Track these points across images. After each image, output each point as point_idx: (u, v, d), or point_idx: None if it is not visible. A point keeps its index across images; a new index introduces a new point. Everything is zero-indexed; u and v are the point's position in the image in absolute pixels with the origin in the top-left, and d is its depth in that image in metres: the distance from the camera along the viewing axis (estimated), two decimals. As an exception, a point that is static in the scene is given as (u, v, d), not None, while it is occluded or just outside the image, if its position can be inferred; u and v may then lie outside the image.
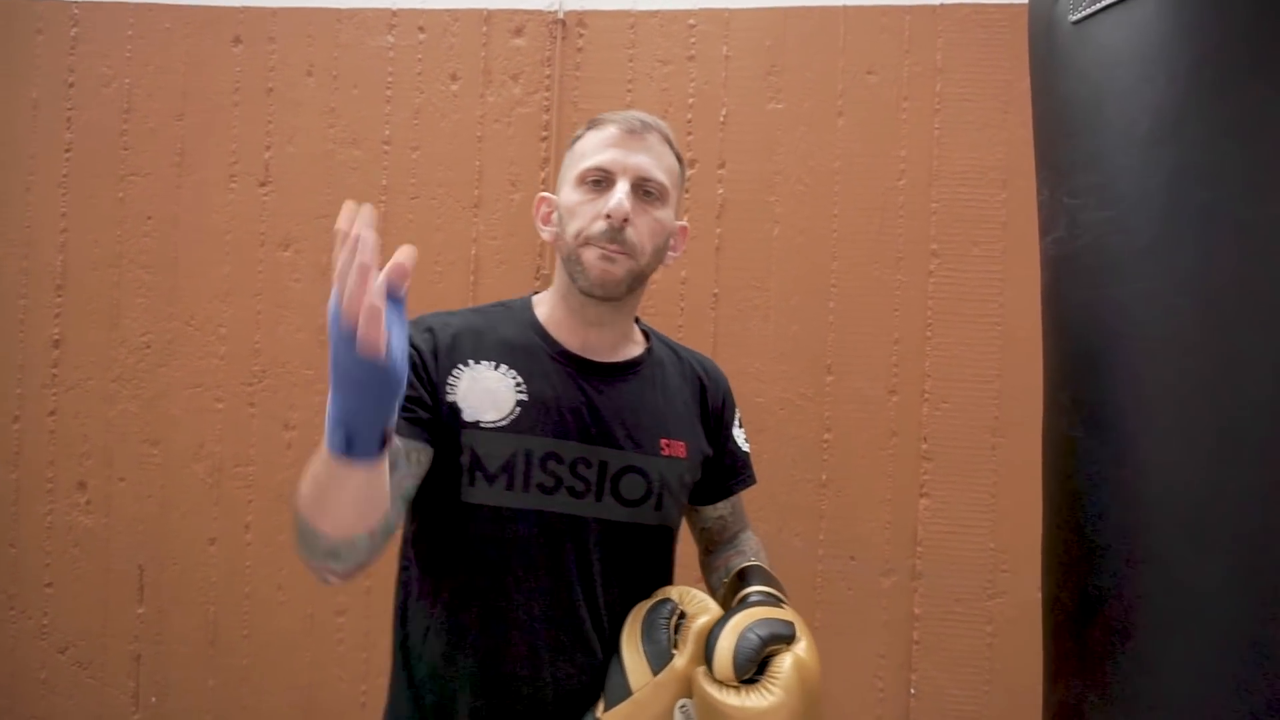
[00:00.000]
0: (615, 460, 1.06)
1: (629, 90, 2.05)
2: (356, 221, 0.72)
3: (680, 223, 1.14)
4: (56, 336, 2.12)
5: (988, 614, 1.95)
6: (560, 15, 2.06)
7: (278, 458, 2.07)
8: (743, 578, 1.10)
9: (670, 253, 1.13)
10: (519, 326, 1.10)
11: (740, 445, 1.24)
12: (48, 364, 2.12)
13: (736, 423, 1.24)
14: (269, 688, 2.07)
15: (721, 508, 1.23)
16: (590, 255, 1.03)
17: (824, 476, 2.00)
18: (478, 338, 1.08)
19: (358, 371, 0.74)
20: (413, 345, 1.03)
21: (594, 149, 1.07)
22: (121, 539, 2.10)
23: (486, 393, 1.04)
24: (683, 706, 0.95)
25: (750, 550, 1.21)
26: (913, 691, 1.97)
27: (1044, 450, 0.99)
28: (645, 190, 1.06)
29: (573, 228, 1.05)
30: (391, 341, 0.71)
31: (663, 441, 1.10)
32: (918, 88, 2.00)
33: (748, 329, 2.02)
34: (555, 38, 2.06)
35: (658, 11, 2.05)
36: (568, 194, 1.08)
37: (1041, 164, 0.99)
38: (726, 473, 1.22)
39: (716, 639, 0.94)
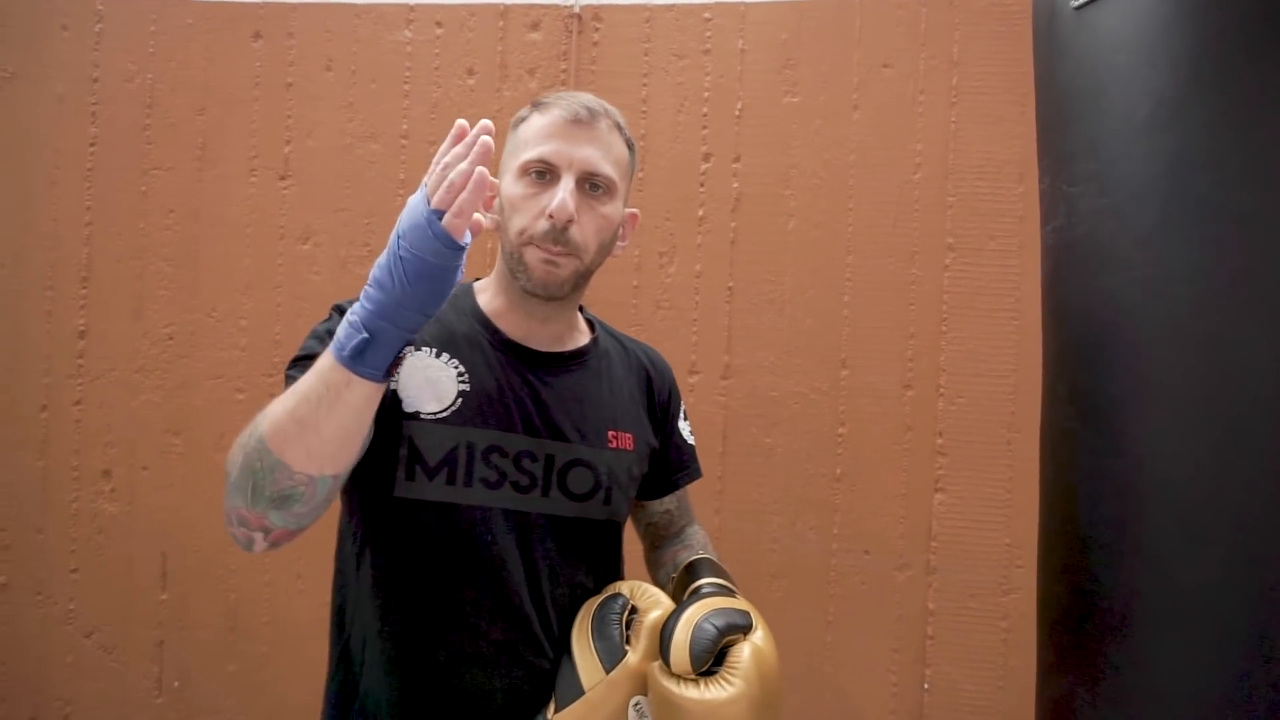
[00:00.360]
0: (562, 454, 1.03)
1: (644, 84, 2.06)
2: (478, 130, 0.77)
3: (630, 210, 1.10)
4: (82, 327, 2.16)
5: (1002, 609, 1.95)
6: (576, 10, 2.07)
7: (297, 448, 2.09)
8: (691, 571, 1.08)
9: (619, 243, 1.09)
10: (460, 314, 1.06)
11: (686, 438, 1.21)
12: (74, 354, 2.16)
13: (682, 415, 1.22)
14: (288, 674, 2.10)
15: (668, 502, 1.20)
16: (533, 256, 0.99)
17: (838, 471, 2.00)
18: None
19: (430, 256, 0.77)
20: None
21: (537, 137, 1.01)
22: (144, 527, 2.14)
23: (428, 382, 0.99)
24: (636, 704, 0.93)
25: (698, 544, 1.18)
26: (926, 686, 1.96)
27: (1041, 442, 0.99)
28: (592, 184, 1.01)
29: (515, 224, 1.00)
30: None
31: (610, 434, 1.07)
32: (934, 81, 1.99)
33: (762, 323, 2.02)
34: (571, 32, 2.06)
35: (673, 5, 2.05)
36: (509, 184, 1.02)
37: (1043, 153, 0.98)
38: (673, 466, 1.19)
39: (671, 632, 0.91)
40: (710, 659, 0.90)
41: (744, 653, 0.91)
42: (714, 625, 0.91)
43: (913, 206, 1.99)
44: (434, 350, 1.02)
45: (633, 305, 2.05)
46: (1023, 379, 1.95)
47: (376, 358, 0.81)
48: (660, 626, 0.94)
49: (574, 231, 0.99)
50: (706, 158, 2.04)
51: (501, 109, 2.09)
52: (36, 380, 2.16)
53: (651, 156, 2.06)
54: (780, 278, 2.02)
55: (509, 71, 2.09)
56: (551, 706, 0.96)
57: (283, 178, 2.13)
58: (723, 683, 0.89)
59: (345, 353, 0.80)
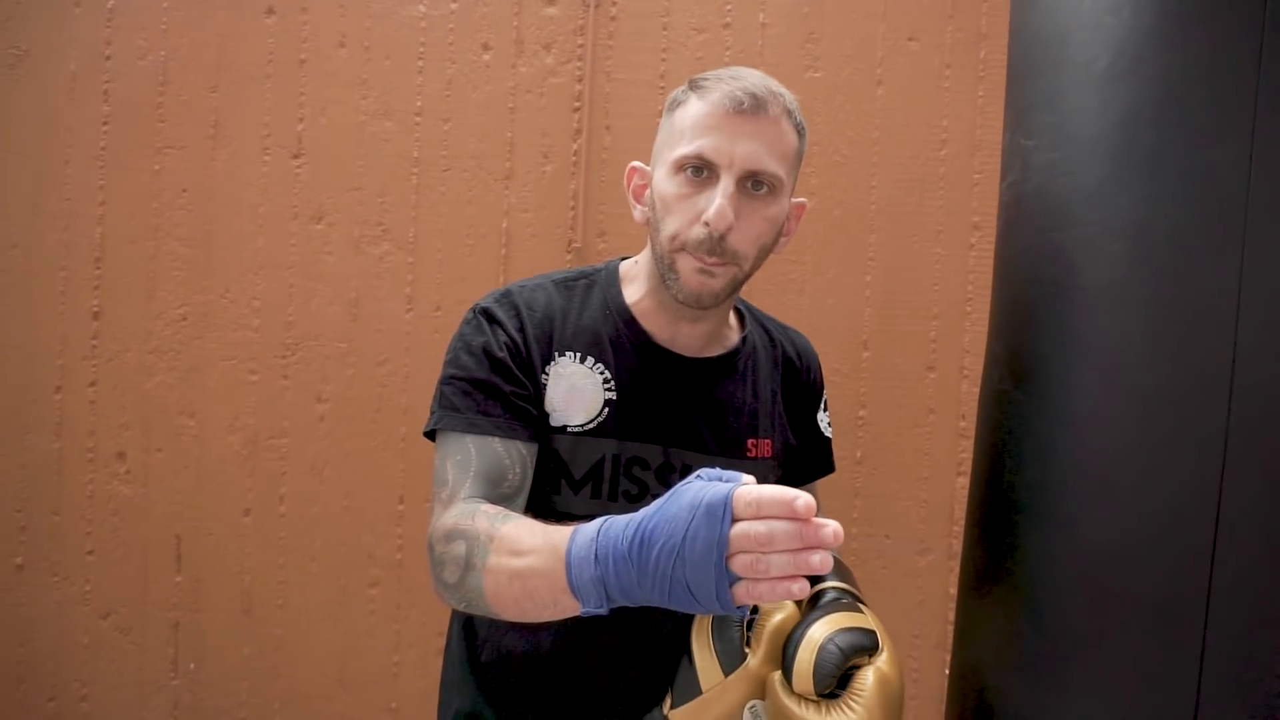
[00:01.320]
0: (699, 465, 0.98)
1: (663, 59, 2.01)
2: (829, 531, 0.64)
3: (796, 200, 1.02)
4: (96, 308, 2.14)
5: (1026, 595, 1.91)
6: (593, -17, 2.03)
7: (310, 430, 2.08)
8: None
9: (782, 239, 1.01)
10: (604, 311, 1.01)
11: (823, 431, 1.16)
12: (88, 335, 2.14)
13: (822, 407, 1.16)
14: (303, 657, 2.09)
15: None
16: (686, 265, 0.92)
17: (859, 454, 1.96)
18: (563, 323, 0.99)
19: (699, 601, 0.67)
20: (506, 333, 0.96)
21: (695, 128, 0.91)
22: (159, 508, 2.13)
23: (574, 391, 0.96)
24: (752, 707, 0.91)
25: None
26: (948, 672, 1.93)
27: (979, 406, 0.95)
28: (755, 182, 0.91)
29: (668, 227, 0.93)
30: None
31: (749, 443, 1.04)
32: (961, 54, 1.94)
33: (783, 303, 1.98)
34: (588, 6, 2.02)
35: (693, -22, 2.01)
36: (662, 179, 0.95)
37: (1007, 105, 0.93)
38: (805, 460, 1.14)
39: (795, 649, 0.88)
40: (834, 682, 0.87)
41: (869, 679, 0.87)
42: (839, 647, 0.87)
43: (938, 184, 1.94)
44: (578, 355, 0.98)
45: (650, 285, 2.01)
46: (1050, 361, 1.91)
47: (603, 607, 0.75)
48: (781, 632, 0.91)
49: (732, 238, 0.91)
50: (726, 135, 2.00)
51: (516, 85, 2.05)
52: (51, 362, 2.15)
53: (670, 133, 2.01)
54: (801, 257, 1.98)
55: (524, 47, 2.05)
56: (668, 702, 0.95)
57: (296, 156, 2.11)
58: (846, 709, 0.86)
59: (588, 605, 0.73)
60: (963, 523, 1.90)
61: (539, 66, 2.05)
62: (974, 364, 1.93)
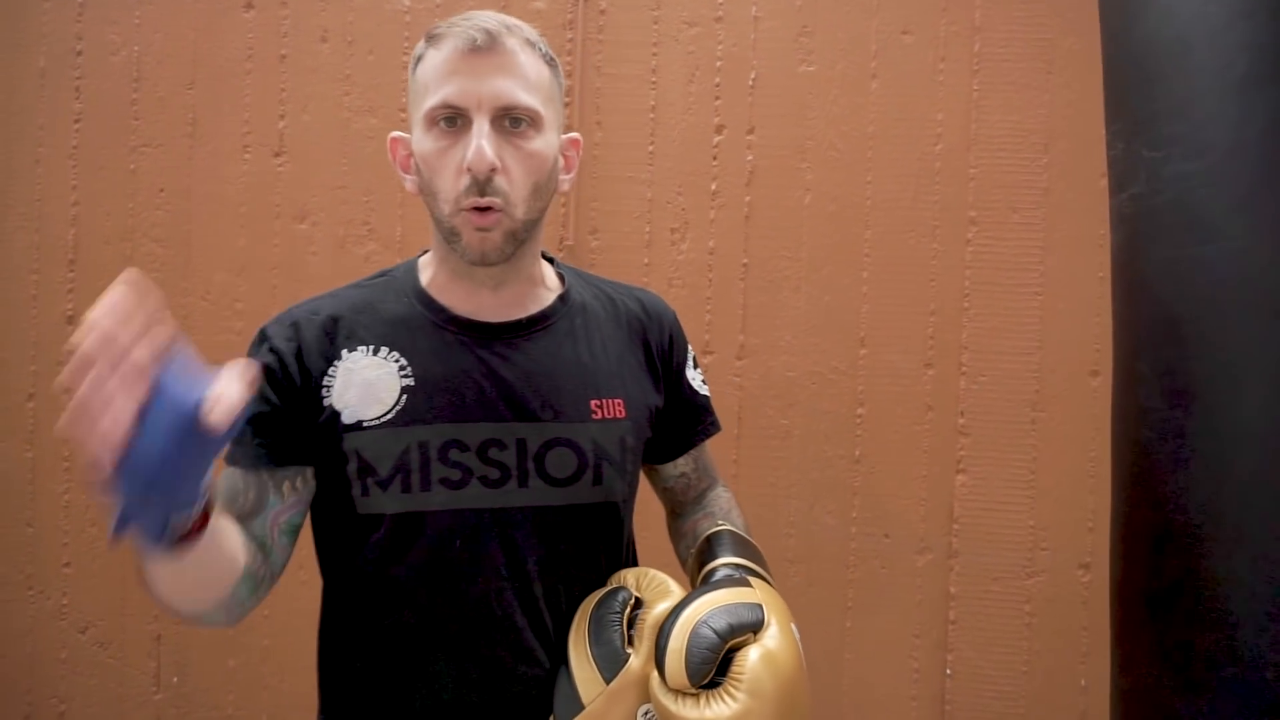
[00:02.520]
0: (535, 435, 0.91)
1: (654, 53, 1.98)
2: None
3: (569, 135, 0.96)
4: (70, 312, 2.07)
5: (1026, 593, 1.90)
6: (582, -25, 1.99)
7: (296, 435, 2.02)
8: (709, 547, 0.96)
9: (562, 176, 0.96)
10: (400, 297, 0.94)
11: (698, 389, 1.07)
12: (61, 341, 2.07)
13: (690, 363, 1.07)
14: (290, 668, 2.03)
15: (682, 464, 1.08)
16: (465, 225, 0.87)
17: (857, 452, 1.94)
18: (353, 321, 0.92)
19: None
20: (273, 351, 0.90)
21: (438, 78, 0.86)
22: (139, 518, 2.06)
23: (365, 385, 0.89)
24: (646, 713, 0.82)
25: (720, 511, 1.07)
26: (949, 672, 1.92)
27: (1115, 424, 0.93)
28: (511, 119, 0.86)
29: (440, 189, 0.88)
30: (142, 438, 0.58)
31: (593, 403, 0.94)
32: (955, 48, 1.92)
33: (778, 300, 1.95)
34: (577, 0, 1.98)
35: (684, -30, 1.97)
36: (419, 139, 0.89)
37: (1115, 115, 0.92)
38: (684, 423, 1.06)
39: (667, 639, 0.79)
40: (711, 670, 0.78)
41: (750, 658, 0.78)
42: (713, 630, 0.79)
43: (933, 179, 1.92)
44: (370, 348, 0.91)
45: (644, 284, 1.96)
46: (1047, 357, 1.89)
47: (151, 539, 0.67)
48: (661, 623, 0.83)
49: (499, 181, 0.86)
50: (719, 130, 1.97)
51: (505, 80, 2.01)
52: (23, 368, 2.08)
53: (662, 129, 1.98)
54: (797, 254, 1.96)
55: (512, 41, 2.00)
56: None
57: (277, 154, 2.05)
58: (725, 698, 0.77)
59: (130, 539, 0.66)
60: (962, 521, 1.89)
61: (527, 61, 2.00)
62: (972, 360, 1.92)
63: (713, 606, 0.81)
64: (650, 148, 1.98)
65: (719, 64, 1.97)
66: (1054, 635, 1.89)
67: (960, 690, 1.91)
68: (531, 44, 0.90)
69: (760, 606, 0.82)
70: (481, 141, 0.84)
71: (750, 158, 1.97)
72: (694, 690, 0.78)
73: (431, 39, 0.89)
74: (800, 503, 1.95)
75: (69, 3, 2.06)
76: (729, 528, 1.01)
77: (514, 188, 0.87)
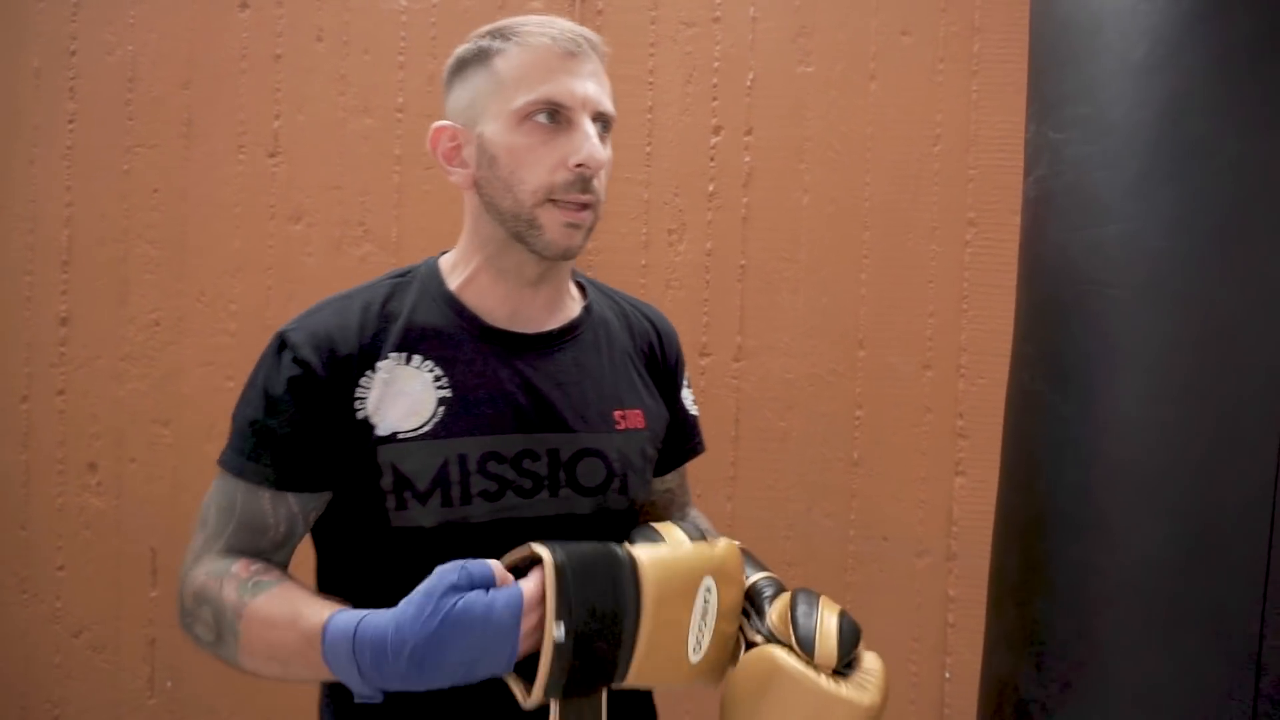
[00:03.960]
0: (566, 445, 0.92)
1: (651, 54, 1.97)
2: None
3: None
4: (64, 314, 2.06)
5: (1025, 596, 1.89)
6: (579, -25, 1.98)
7: (292, 437, 2.01)
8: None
9: None
10: (430, 302, 0.93)
11: (690, 409, 1.09)
12: (55, 342, 2.06)
13: (686, 383, 1.10)
14: (286, 672, 2.02)
15: (669, 480, 1.09)
16: (551, 218, 0.87)
17: (855, 455, 1.93)
18: (384, 328, 0.90)
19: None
20: (296, 364, 0.86)
21: (531, 74, 0.87)
22: (133, 521, 2.05)
23: (401, 396, 0.87)
24: (708, 589, 0.82)
25: (710, 529, 1.07)
26: (948, 676, 1.91)
27: (1006, 408, 0.92)
28: (603, 124, 0.91)
29: (529, 182, 0.87)
30: None
31: (616, 414, 0.96)
32: (955, 48, 1.91)
33: (776, 302, 1.94)
34: (574, 0, 1.97)
35: (682, -30, 1.96)
36: (502, 132, 0.88)
37: (1032, 97, 0.90)
38: (678, 440, 1.08)
39: (813, 615, 0.81)
40: (853, 657, 0.82)
41: (876, 662, 0.83)
42: (853, 623, 0.82)
43: (932, 180, 1.92)
44: (404, 355, 0.89)
45: (641, 285, 1.97)
46: (1047, 358, 1.89)
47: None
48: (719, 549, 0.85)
49: (597, 181, 0.89)
50: (717, 130, 1.96)
51: (502, 81, 2.00)
52: (17, 370, 2.06)
53: (659, 129, 1.97)
54: (795, 255, 1.95)
55: (509, 41, 1.99)
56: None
57: (272, 154, 2.04)
58: (864, 686, 0.80)
59: (358, 691, 0.72)
60: (961, 524, 1.88)
61: (524, 61, 1.99)
62: (971, 362, 1.91)
63: (838, 608, 0.84)
64: (647, 148, 1.97)
65: (717, 65, 1.96)
66: (1053, 638, 1.88)
67: (960, 694, 1.90)
68: (603, 57, 0.94)
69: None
70: (595, 140, 0.87)
71: (748, 159, 1.96)
72: (833, 669, 0.80)
73: (509, 36, 0.89)
74: (798, 505, 1.94)
75: (63, 2, 2.05)
76: (742, 547, 1.02)
77: (602, 188, 0.91)
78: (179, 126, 2.05)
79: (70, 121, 2.06)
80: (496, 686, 0.75)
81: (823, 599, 0.85)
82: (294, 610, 0.78)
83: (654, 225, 1.97)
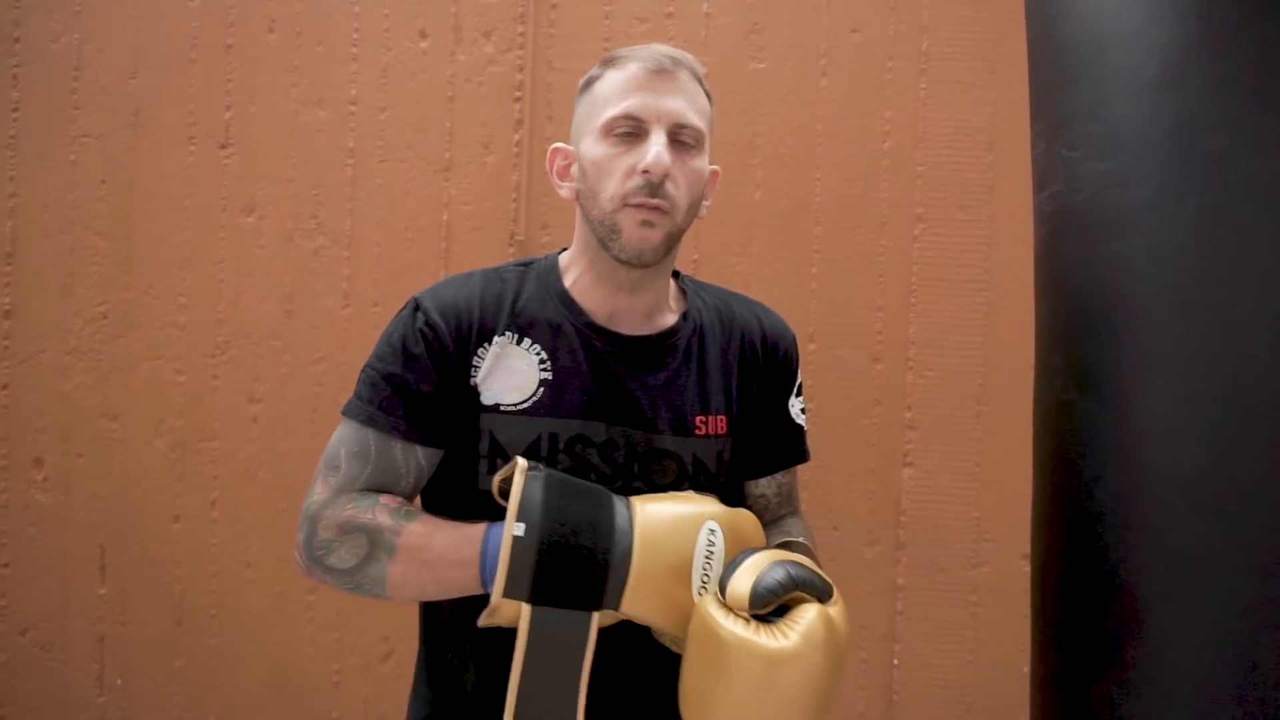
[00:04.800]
0: (645, 443, 0.98)
1: (605, 48, 1.98)
2: None
3: (712, 167, 1.04)
4: (7, 307, 2.02)
5: (972, 583, 1.94)
6: (533, -31, 1.98)
7: (243, 432, 1.99)
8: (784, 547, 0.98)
9: (704, 203, 1.03)
10: (544, 294, 1.01)
11: (794, 418, 1.11)
12: (-1, 336, 2.02)
13: (795, 391, 1.11)
14: (239, 668, 2.01)
15: (764, 485, 1.10)
16: (629, 220, 0.94)
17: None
18: (498, 308, 0.99)
19: None
20: (429, 328, 0.96)
21: (617, 93, 0.95)
22: (81, 517, 2.02)
23: (509, 372, 0.96)
24: (711, 530, 0.84)
25: (796, 533, 1.08)
26: (896, 663, 1.95)
27: (1036, 415, 0.95)
28: (680, 139, 0.95)
29: (606, 190, 0.95)
30: None
31: (698, 419, 1.01)
32: (903, 46, 1.95)
33: (729, 296, 1.96)
34: (528, -7, 1.98)
35: (635, -34, 1.97)
36: (591, 147, 0.97)
37: (1038, 115, 0.94)
38: (773, 446, 1.09)
39: (740, 561, 0.81)
40: (774, 603, 0.79)
41: (810, 612, 0.79)
42: (789, 572, 0.79)
43: (881, 176, 1.95)
44: (515, 336, 0.98)
45: (596, 279, 1.98)
46: (992, 352, 1.93)
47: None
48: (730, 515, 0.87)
49: (669, 187, 0.93)
50: (671, 126, 1.97)
51: (455, 74, 1.99)
52: (-41, 363, 2.02)
53: (614, 124, 1.98)
54: (746, 250, 1.97)
55: (463, 34, 1.99)
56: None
57: (223, 146, 2.01)
58: (777, 633, 0.77)
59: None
60: (909, 514, 1.92)
61: (478, 55, 1.99)
62: (919, 355, 1.94)
63: (796, 559, 0.83)
64: (602, 143, 1.98)
65: (670, 60, 1.98)
66: (999, 624, 1.92)
67: (908, 680, 1.94)
68: (699, 77, 0.99)
69: (832, 586, 0.84)
70: (660, 148, 0.93)
71: (701, 154, 1.97)
72: (746, 615, 0.79)
73: (611, 62, 0.98)
74: (751, 497, 1.96)
75: (5, -11, 2.01)
76: (804, 541, 1.05)
77: (678, 196, 0.95)
78: (127, 116, 2.02)
79: (14, 110, 2.02)
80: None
81: (790, 556, 0.84)
82: (451, 524, 0.90)
83: (608, 219, 1.98)
